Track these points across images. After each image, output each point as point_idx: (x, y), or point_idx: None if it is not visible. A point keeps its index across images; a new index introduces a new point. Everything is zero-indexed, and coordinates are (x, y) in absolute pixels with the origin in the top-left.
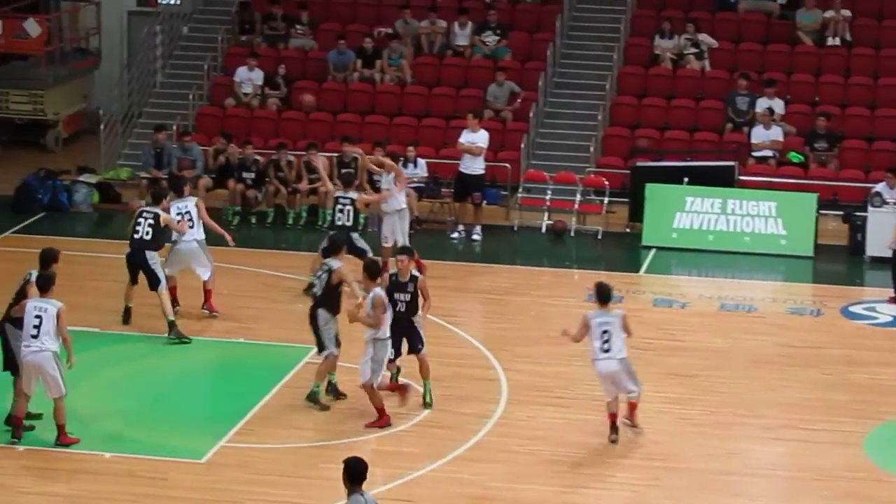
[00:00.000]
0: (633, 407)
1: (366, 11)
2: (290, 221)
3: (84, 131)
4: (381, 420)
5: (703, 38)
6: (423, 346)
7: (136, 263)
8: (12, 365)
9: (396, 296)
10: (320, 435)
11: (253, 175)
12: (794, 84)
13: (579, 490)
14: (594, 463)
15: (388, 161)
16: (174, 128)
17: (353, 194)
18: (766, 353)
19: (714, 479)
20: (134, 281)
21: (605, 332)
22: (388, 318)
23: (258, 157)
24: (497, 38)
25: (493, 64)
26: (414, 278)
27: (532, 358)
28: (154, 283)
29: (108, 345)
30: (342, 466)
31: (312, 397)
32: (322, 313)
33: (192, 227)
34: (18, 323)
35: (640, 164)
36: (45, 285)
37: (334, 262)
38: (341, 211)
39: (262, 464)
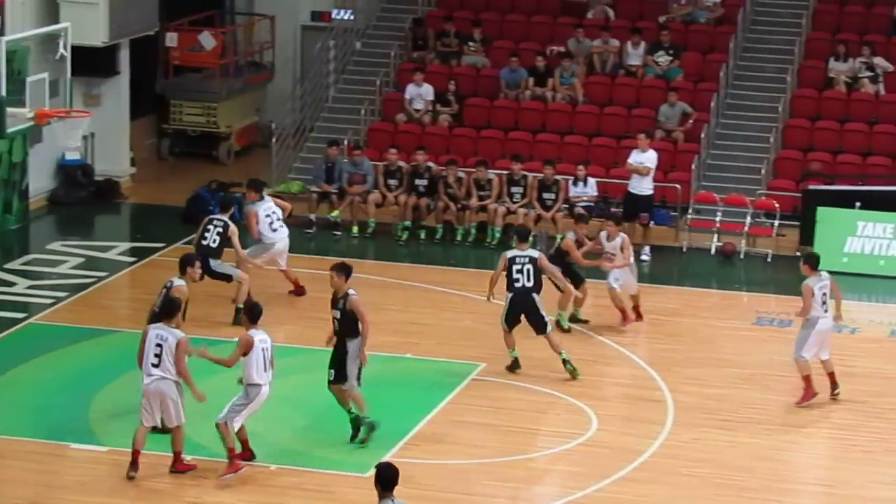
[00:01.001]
0: (832, 376)
1: (539, 30)
2: (459, 238)
3: (256, 144)
4: (232, 466)
5: (879, 61)
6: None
7: (204, 273)
8: None
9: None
10: (484, 452)
11: (426, 182)
12: None
13: None
14: (760, 487)
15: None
16: (345, 142)
17: (532, 252)
18: None
19: None
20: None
21: (823, 293)
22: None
23: (431, 165)
24: (670, 58)
25: (666, 84)
26: (345, 296)
27: (699, 380)
28: (228, 278)
29: (277, 357)
30: (374, 471)
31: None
32: None
33: (276, 228)
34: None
35: (811, 187)
36: (169, 312)
37: None
38: (519, 272)
39: (426, 479)
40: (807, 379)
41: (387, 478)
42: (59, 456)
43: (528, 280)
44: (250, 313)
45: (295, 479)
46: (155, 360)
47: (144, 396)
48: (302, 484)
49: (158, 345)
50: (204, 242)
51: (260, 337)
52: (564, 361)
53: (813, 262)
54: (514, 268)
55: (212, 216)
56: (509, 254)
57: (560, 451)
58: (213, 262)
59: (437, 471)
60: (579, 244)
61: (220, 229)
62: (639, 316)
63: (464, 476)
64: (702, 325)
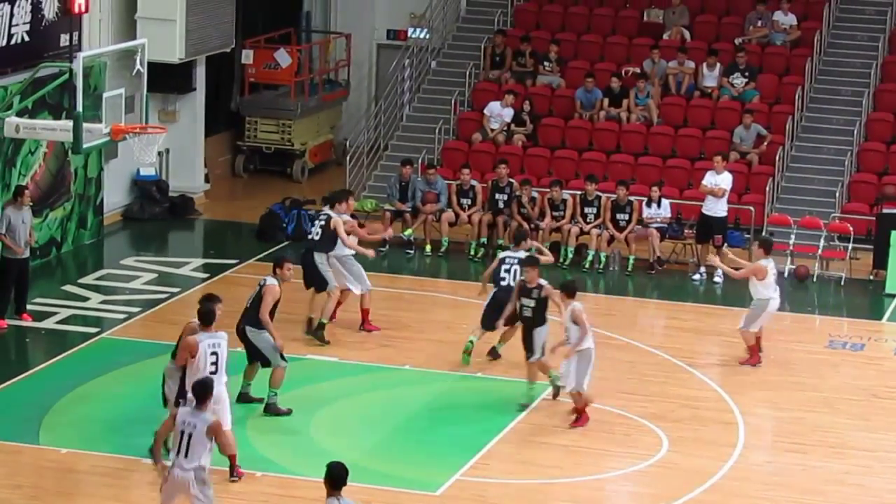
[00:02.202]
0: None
1: (615, 50)
2: None
3: (330, 162)
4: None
5: None
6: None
7: (304, 265)
8: (260, 357)
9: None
10: (555, 472)
11: (505, 197)
12: None
13: None
14: None
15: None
16: (419, 161)
17: (522, 254)
18: None
19: None
20: (307, 285)
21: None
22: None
23: (512, 181)
24: (745, 80)
25: (741, 106)
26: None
27: (771, 402)
28: (322, 284)
29: (348, 375)
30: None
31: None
32: None
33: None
34: (256, 322)
35: (886, 210)
36: (206, 320)
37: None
38: (507, 271)
39: (496, 499)
40: (752, 348)
41: (336, 476)
42: (131, 471)
43: (514, 280)
44: (201, 316)
45: (364, 496)
46: (213, 368)
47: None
48: (370, 502)
49: (214, 353)
50: (309, 236)
51: (210, 341)
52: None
53: (767, 246)
54: (503, 267)
55: (320, 211)
56: (502, 254)
57: (630, 472)
58: (317, 257)
59: (507, 490)
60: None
61: (323, 222)
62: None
63: (534, 496)
64: (774, 348)
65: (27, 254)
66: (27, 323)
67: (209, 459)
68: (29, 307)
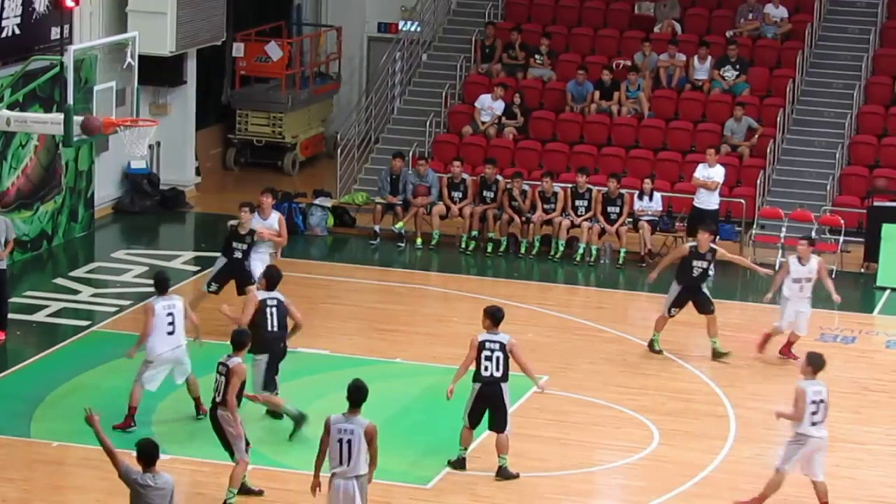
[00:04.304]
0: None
1: (606, 43)
2: (523, 250)
3: (321, 155)
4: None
5: None
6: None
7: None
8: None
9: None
10: (546, 465)
11: (493, 195)
12: None
13: None
14: None
15: None
16: (410, 154)
17: (503, 337)
18: None
19: None
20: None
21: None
22: None
23: (499, 178)
24: (737, 73)
25: (732, 99)
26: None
27: (762, 396)
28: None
29: (339, 368)
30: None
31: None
32: None
33: None
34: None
35: (877, 203)
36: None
37: None
38: (488, 359)
39: (487, 492)
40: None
41: (147, 454)
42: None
43: (497, 369)
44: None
45: None
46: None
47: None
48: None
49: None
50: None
51: (165, 303)
52: (500, 468)
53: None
54: (484, 354)
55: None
56: (480, 337)
57: (621, 466)
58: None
59: (498, 483)
60: None
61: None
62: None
63: (525, 489)
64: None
65: (3, 265)
66: (26, 317)
67: (367, 465)
68: (20, 300)
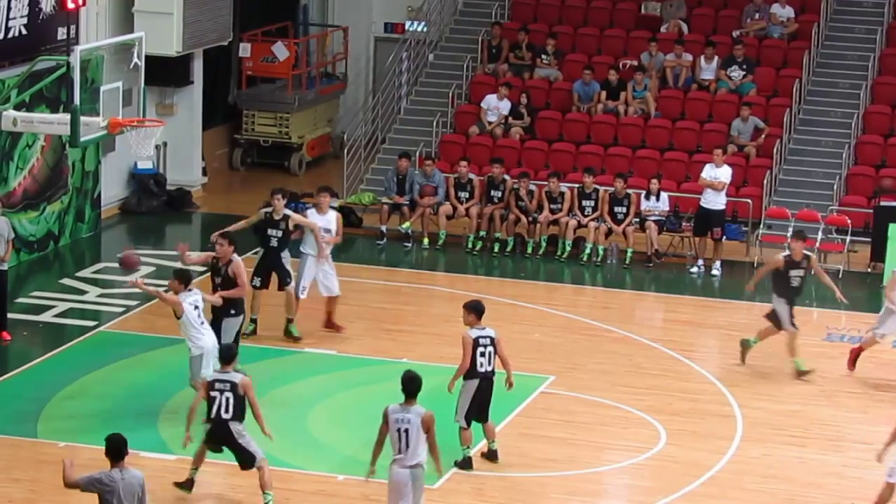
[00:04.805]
0: None
1: (612, 43)
2: (530, 251)
3: (328, 155)
4: None
5: None
6: None
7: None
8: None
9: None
10: (553, 466)
11: (500, 194)
12: None
13: None
14: None
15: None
16: (417, 154)
17: (492, 332)
18: None
19: None
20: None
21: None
22: None
23: (506, 178)
24: (743, 73)
25: (739, 99)
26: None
27: (769, 395)
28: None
29: (345, 368)
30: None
31: None
32: None
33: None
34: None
35: (884, 203)
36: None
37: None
38: (483, 354)
39: (494, 492)
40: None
41: (114, 449)
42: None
43: (490, 363)
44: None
45: (361, 489)
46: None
47: None
48: (368, 495)
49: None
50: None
51: (191, 298)
52: (492, 451)
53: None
54: (478, 351)
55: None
56: (473, 333)
57: (628, 466)
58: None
59: (505, 483)
60: None
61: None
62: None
63: (532, 489)
64: (772, 341)
65: (4, 267)
66: (32, 317)
67: (426, 455)
68: (27, 300)
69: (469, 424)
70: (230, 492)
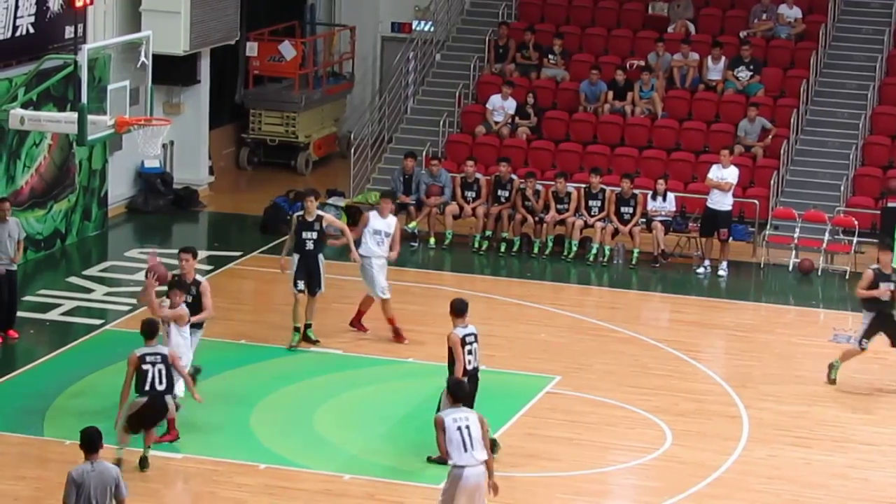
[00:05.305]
0: None
1: (619, 43)
2: (536, 250)
3: (334, 155)
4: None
5: None
6: None
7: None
8: None
9: None
10: (558, 466)
11: (507, 194)
12: None
13: None
14: None
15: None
16: (424, 154)
17: (474, 329)
18: None
19: None
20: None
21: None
22: None
23: (513, 177)
24: (750, 73)
25: (746, 99)
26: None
27: (775, 396)
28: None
29: (351, 368)
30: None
31: None
32: None
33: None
34: None
35: (891, 204)
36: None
37: None
38: (470, 353)
39: (500, 492)
40: None
41: (88, 442)
42: (135, 463)
43: (476, 360)
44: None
45: (367, 489)
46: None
47: None
48: (374, 494)
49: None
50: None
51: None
52: None
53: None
54: (466, 349)
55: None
56: (460, 332)
57: (634, 466)
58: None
59: (510, 483)
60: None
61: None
62: None
63: (537, 489)
64: (778, 342)
65: (14, 267)
66: (39, 316)
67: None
68: (34, 299)
69: None
70: (235, 491)
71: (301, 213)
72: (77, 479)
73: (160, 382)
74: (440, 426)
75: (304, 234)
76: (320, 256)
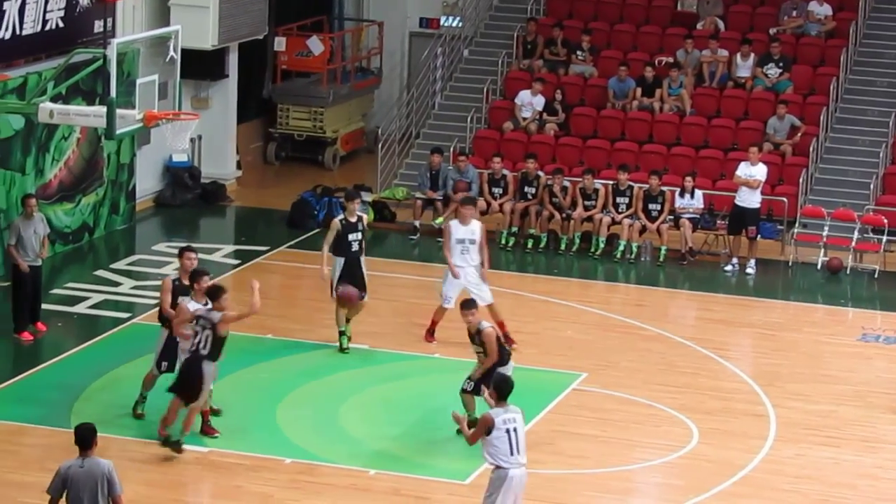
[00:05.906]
0: None
1: (648, 40)
2: (563, 247)
3: (362, 150)
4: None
5: None
6: None
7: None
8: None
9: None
10: (584, 463)
11: (534, 190)
12: None
13: None
14: None
15: None
16: (451, 150)
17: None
18: None
19: None
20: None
21: None
22: None
23: (540, 174)
24: (780, 70)
25: (775, 97)
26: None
27: (803, 395)
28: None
29: (378, 363)
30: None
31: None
32: None
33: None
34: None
35: None
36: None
37: None
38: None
39: (525, 489)
40: None
41: (81, 438)
42: (162, 456)
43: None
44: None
45: (392, 484)
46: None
47: None
48: (399, 490)
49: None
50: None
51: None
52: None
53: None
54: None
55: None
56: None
57: (660, 464)
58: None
59: (536, 480)
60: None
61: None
62: None
63: (563, 486)
64: (806, 340)
65: (39, 263)
66: (67, 309)
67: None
68: (61, 292)
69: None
70: (261, 486)
71: (343, 216)
72: (63, 473)
73: (203, 347)
74: (489, 425)
75: (350, 237)
76: (363, 259)
